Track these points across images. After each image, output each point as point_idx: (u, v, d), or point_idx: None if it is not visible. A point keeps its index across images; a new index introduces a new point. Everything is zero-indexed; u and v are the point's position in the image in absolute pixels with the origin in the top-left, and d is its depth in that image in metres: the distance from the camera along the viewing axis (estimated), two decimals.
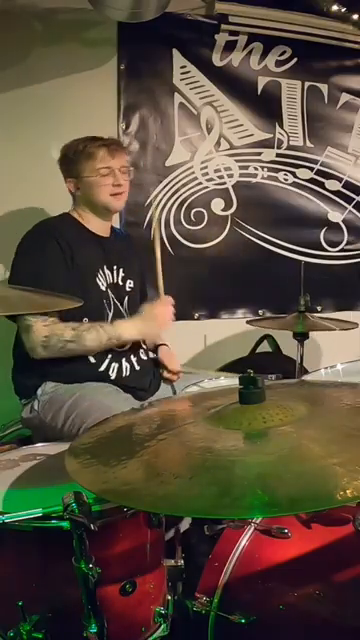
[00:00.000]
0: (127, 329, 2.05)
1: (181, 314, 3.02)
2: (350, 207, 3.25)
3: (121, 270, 2.21)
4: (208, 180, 3.03)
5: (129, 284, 2.23)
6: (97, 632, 1.08)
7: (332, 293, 3.27)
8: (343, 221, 3.26)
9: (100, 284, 2.11)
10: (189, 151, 2.99)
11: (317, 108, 3.15)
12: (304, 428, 1.09)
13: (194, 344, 3.08)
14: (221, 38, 2.92)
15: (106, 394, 1.97)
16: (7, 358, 2.14)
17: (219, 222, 3.07)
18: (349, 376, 2.09)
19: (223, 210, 3.07)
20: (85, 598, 1.08)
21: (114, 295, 2.15)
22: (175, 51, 2.89)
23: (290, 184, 3.15)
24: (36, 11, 2.63)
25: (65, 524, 1.09)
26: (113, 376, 2.07)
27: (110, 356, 2.07)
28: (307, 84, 3.12)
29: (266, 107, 3.07)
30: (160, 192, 2.95)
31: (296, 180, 3.16)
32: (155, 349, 2.36)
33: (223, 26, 2.88)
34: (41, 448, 1.61)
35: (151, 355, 2.30)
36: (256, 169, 3.10)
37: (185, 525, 1.74)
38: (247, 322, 2.59)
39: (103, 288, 2.12)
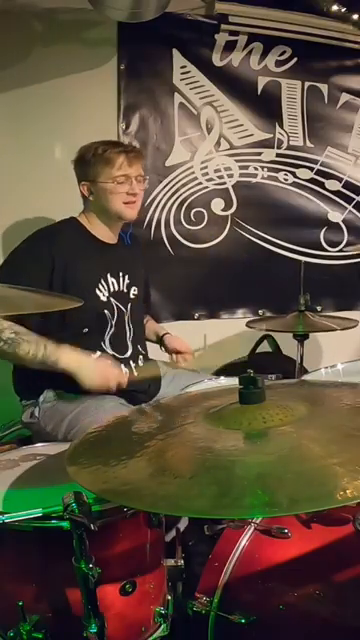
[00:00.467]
0: (67, 359, 1.89)
1: (181, 314, 3.05)
2: (350, 207, 3.25)
3: (126, 277, 2.18)
4: (208, 180, 3.03)
5: (133, 291, 2.21)
6: (97, 632, 1.08)
7: (332, 293, 3.27)
8: (343, 221, 3.25)
9: (101, 295, 2.08)
10: (189, 151, 2.99)
11: (317, 108, 3.15)
12: (304, 428, 1.09)
13: (194, 344, 3.06)
14: (221, 38, 2.92)
15: (108, 410, 1.92)
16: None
17: (219, 222, 3.07)
18: (349, 376, 2.10)
19: (223, 210, 3.07)
20: (85, 598, 1.08)
21: (118, 303, 2.13)
22: (175, 51, 2.89)
23: (290, 184, 3.15)
24: (36, 11, 2.63)
25: (65, 524, 1.10)
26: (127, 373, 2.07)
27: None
28: (307, 84, 3.11)
29: (266, 107, 3.07)
30: (160, 192, 2.95)
31: (296, 180, 3.16)
32: (160, 340, 2.37)
33: (223, 26, 2.88)
34: (41, 448, 1.61)
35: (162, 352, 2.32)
36: (256, 169, 3.10)
37: (183, 524, 1.74)
38: (247, 325, 2.58)
39: (104, 298, 2.09)
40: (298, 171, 3.16)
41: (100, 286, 2.09)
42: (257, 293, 3.17)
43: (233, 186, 3.07)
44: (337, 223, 3.25)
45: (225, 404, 1.21)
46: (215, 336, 3.12)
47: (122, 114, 2.85)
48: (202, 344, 3.10)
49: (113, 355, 2.09)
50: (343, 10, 2.84)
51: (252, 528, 1.35)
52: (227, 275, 3.09)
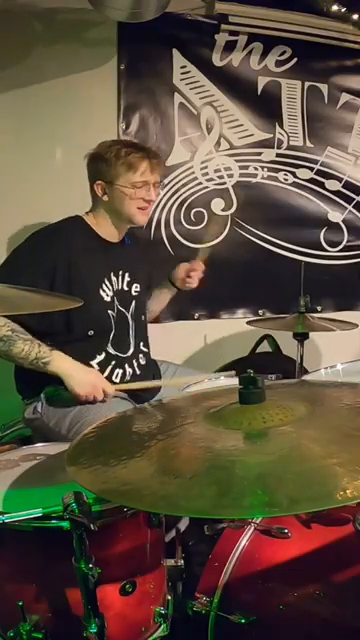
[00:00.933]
0: (60, 362, 1.90)
1: (181, 314, 3.05)
2: (350, 207, 3.25)
3: (126, 275, 2.17)
4: (208, 180, 3.03)
5: (135, 288, 2.20)
6: (97, 632, 1.08)
7: (332, 293, 3.27)
8: (343, 221, 3.25)
9: (104, 295, 2.07)
10: (189, 151, 2.99)
11: (317, 108, 3.15)
12: (304, 428, 1.09)
13: (194, 344, 3.08)
14: (221, 38, 2.92)
15: (111, 405, 1.92)
16: None
17: (219, 222, 3.07)
18: (349, 376, 2.09)
19: (223, 210, 3.07)
20: (85, 598, 1.08)
21: (120, 302, 2.13)
22: (175, 51, 2.88)
23: (290, 184, 3.15)
24: (36, 11, 2.63)
25: (65, 524, 1.10)
26: (117, 380, 2.07)
27: (114, 362, 2.08)
28: (307, 84, 3.11)
29: (266, 107, 3.07)
30: (160, 192, 2.95)
31: (296, 180, 3.16)
32: (166, 285, 2.41)
33: (223, 26, 2.88)
34: (41, 448, 1.61)
35: (151, 354, 2.31)
36: (256, 169, 3.10)
37: (184, 524, 1.74)
38: (247, 323, 2.59)
39: (108, 299, 2.08)
40: (298, 171, 3.16)
41: (104, 286, 2.08)
42: (257, 293, 3.17)
43: (233, 186, 3.07)
44: (337, 223, 3.25)
45: (225, 404, 1.21)
46: (215, 336, 3.12)
47: (122, 114, 2.85)
48: (202, 344, 3.10)
49: (116, 355, 2.09)
50: (343, 10, 2.84)
51: (252, 528, 1.35)
52: (227, 275, 3.09)
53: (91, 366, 2.02)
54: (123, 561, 1.22)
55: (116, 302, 2.11)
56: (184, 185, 2.98)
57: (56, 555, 1.15)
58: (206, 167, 3.02)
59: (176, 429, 1.18)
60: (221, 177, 3.05)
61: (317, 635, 1.23)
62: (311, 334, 2.47)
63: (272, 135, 3.09)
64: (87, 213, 2.16)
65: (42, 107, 2.69)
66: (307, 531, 1.33)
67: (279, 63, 3.05)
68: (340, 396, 1.29)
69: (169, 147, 2.94)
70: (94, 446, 1.20)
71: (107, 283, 2.09)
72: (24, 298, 1.44)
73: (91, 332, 2.02)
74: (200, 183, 3.01)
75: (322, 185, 3.19)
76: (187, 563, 1.39)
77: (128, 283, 2.18)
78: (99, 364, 2.04)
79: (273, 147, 3.10)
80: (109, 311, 2.08)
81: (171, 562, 1.37)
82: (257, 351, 3.00)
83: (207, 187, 3.03)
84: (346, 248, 3.27)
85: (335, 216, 3.24)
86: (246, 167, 3.08)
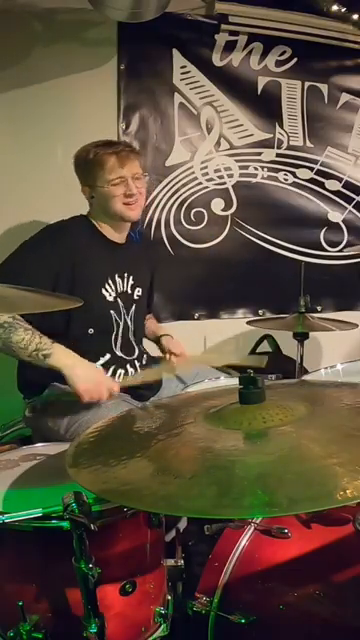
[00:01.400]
0: (61, 356, 1.82)
1: (181, 314, 3.05)
2: (350, 207, 3.25)
3: (131, 278, 2.17)
4: (208, 180, 3.03)
5: (137, 292, 2.20)
6: (97, 632, 1.08)
7: (332, 293, 3.28)
8: (343, 221, 3.26)
9: (107, 295, 2.07)
10: (189, 151, 2.99)
11: (317, 108, 3.15)
12: (304, 428, 1.09)
13: (194, 344, 3.08)
14: (221, 38, 2.92)
15: (110, 407, 1.90)
16: (8, 357, 2.13)
17: (219, 222, 3.07)
18: (349, 376, 2.10)
19: (223, 210, 3.07)
20: (85, 598, 1.08)
21: (123, 303, 2.12)
22: (175, 51, 2.89)
23: (290, 184, 3.15)
24: (36, 11, 2.63)
25: (65, 524, 1.10)
26: (119, 380, 2.07)
27: (116, 364, 2.07)
28: (307, 84, 3.12)
29: (266, 107, 3.07)
30: (160, 192, 2.95)
31: (296, 180, 3.16)
32: (157, 340, 2.37)
33: (223, 26, 2.88)
34: (41, 448, 1.61)
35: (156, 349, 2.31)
36: (256, 169, 3.10)
37: (183, 524, 1.74)
38: (247, 322, 2.60)
39: (111, 299, 2.08)
40: (298, 171, 3.16)
41: (107, 286, 2.08)
42: (257, 293, 3.17)
43: (233, 186, 3.07)
44: (337, 223, 3.25)
45: (225, 404, 1.21)
46: (215, 336, 3.12)
47: (122, 114, 2.85)
48: (202, 344, 3.10)
49: (121, 356, 2.09)
50: (343, 10, 2.84)
51: (252, 528, 1.35)
52: (227, 275, 3.09)
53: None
54: (123, 561, 1.22)
55: (120, 303, 2.11)
56: (184, 185, 2.99)
57: (56, 555, 1.15)
58: (206, 167, 3.02)
59: (176, 429, 1.18)
60: (221, 177, 3.05)
61: (317, 635, 1.23)
62: (311, 334, 2.47)
63: (272, 135, 3.10)
64: (89, 214, 2.16)
65: (42, 107, 2.69)
66: (307, 531, 1.33)
67: (279, 63, 3.05)
68: (340, 396, 1.29)
69: (169, 147, 2.95)
70: (94, 446, 1.20)
71: (110, 283, 2.09)
72: (24, 298, 1.44)
73: (91, 330, 2.02)
74: (200, 183, 3.02)
75: (322, 185, 3.19)
76: (187, 563, 1.39)
77: (132, 286, 2.18)
78: (102, 365, 2.03)
79: (273, 147, 3.11)
80: (111, 311, 2.08)
81: (171, 562, 1.37)
82: (257, 351, 3.00)
83: (207, 187, 3.03)
84: (348, 245, 3.27)
85: (335, 216, 3.24)
86: (246, 167, 3.08)
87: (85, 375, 1.82)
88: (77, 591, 1.09)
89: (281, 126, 3.10)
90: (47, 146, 2.73)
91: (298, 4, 2.89)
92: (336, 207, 3.23)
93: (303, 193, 3.18)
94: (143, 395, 2.14)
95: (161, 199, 2.95)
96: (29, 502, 1.20)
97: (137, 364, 2.16)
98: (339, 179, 3.22)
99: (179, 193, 2.98)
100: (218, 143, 3.02)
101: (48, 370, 1.92)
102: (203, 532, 1.42)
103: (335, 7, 2.83)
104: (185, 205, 3.00)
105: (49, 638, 1.16)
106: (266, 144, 3.09)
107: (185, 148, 2.98)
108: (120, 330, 2.11)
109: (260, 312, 3.17)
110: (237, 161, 3.06)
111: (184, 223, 3.01)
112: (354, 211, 3.26)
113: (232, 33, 2.92)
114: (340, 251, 3.27)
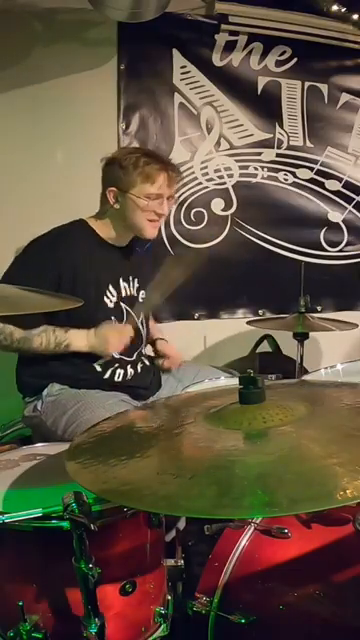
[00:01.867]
0: (78, 339, 1.95)
1: (181, 314, 3.05)
2: (350, 207, 3.25)
3: (136, 281, 2.16)
4: (208, 180, 3.03)
5: (142, 295, 2.20)
6: (97, 632, 1.08)
7: (332, 293, 3.27)
8: (343, 221, 3.25)
9: (108, 301, 2.05)
10: (189, 151, 2.99)
11: (317, 108, 3.15)
12: (304, 428, 1.08)
13: (194, 344, 3.08)
14: (221, 38, 2.92)
15: (108, 407, 1.89)
16: (8, 358, 2.14)
17: (219, 222, 3.07)
18: (349, 376, 2.09)
19: (223, 210, 3.07)
20: (85, 598, 1.08)
21: (129, 306, 2.11)
22: (175, 51, 2.89)
23: (290, 184, 3.15)
24: (36, 11, 2.63)
25: (65, 524, 1.10)
26: (119, 380, 2.08)
27: (117, 365, 2.07)
28: (307, 84, 3.12)
29: (266, 107, 3.07)
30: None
31: (296, 180, 3.16)
32: (153, 343, 2.37)
33: (223, 26, 2.88)
34: (41, 448, 1.61)
35: (150, 351, 2.31)
36: (256, 169, 3.10)
37: (183, 524, 1.74)
38: (247, 322, 2.60)
39: (111, 305, 2.06)
40: (298, 171, 3.16)
41: (108, 293, 2.06)
42: (257, 293, 3.17)
43: (233, 186, 3.07)
44: (337, 223, 3.25)
45: (225, 404, 1.21)
46: (215, 336, 3.12)
47: (122, 114, 2.85)
48: (202, 344, 3.10)
49: (120, 358, 2.08)
50: (343, 10, 2.84)
51: (252, 528, 1.34)
52: (227, 275, 3.09)
53: (94, 368, 2.01)
54: (123, 561, 1.22)
55: (124, 307, 2.09)
56: (184, 185, 2.98)
57: (56, 555, 1.15)
58: (206, 167, 3.02)
59: (176, 429, 1.18)
60: (221, 177, 3.05)
61: (317, 635, 1.23)
62: (311, 334, 2.48)
63: (272, 135, 3.10)
64: (90, 218, 2.12)
65: (42, 107, 2.69)
66: (307, 531, 1.33)
67: (279, 63, 3.05)
68: (340, 396, 1.29)
69: (169, 147, 2.95)
70: (94, 446, 1.20)
71: (112, 289, 2.07)
72: (24, 298, 1.44)
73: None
74: (200, 183, 3.02)
75: (322, 185, 3.19)
76: (187, 563, 1.39)
77: (137, 289, 2.18)
78: (101, 365, 2.03)
79: (273, 147, 3.11)
80: (112, 317, 2.06)
81: (171, 562, 1.37)
82: (257, 351, 3.00)
83: (207, 187, 3.03)
84: (348, 244, 3.27)
85: (335, 216, 3.24)
86: (246, 167, 3.08)
87: (105, 340, 1.96)
88: (77, 591, 1.09)
89: (281, 126, 3.10)
90: (47, 146, 2.73)
91: (298, 4, 2.89)
92: (336, 207, 3.23)
93: (303, 193, 3.18)
94: (143, 395, 2.14)
95: None
96: (29, 502, 1.20)
97: (138, 365, 2.16)
98: (339, 179, 3.22)
99: (179, 193, 2.98)
100: (218, 143, 3.02)
101: (47, 370, 1.94)
102: (203, 532, 1.42)
103: (335, 7, 2.83)
104: (185, 205, 3.00)
105: (49, 638, 1.16)
106: (266, 144, 3.09)
107: (185, 148, 2.98)
108: None
109: (260, 312, 3.17)
110: (237, 161, 3.06)
111: (184, 223, 3.01)
112: (354, 211, 3.26)
113: (232, 33, 2.92)
114: (340, 251, 3.27)
